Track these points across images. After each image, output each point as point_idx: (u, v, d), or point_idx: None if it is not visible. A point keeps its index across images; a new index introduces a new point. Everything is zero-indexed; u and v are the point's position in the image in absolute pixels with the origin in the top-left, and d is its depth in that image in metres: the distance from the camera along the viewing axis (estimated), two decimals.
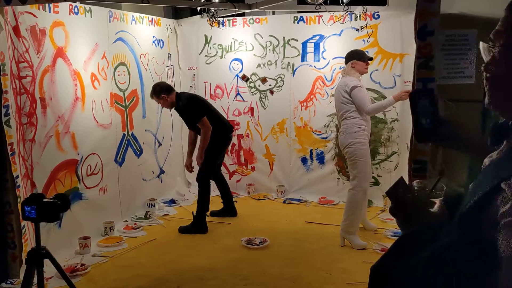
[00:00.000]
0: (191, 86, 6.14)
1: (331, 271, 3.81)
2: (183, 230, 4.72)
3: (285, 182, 5.90)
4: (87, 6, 4.44)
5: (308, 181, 5.80)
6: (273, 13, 5.99)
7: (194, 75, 6.11)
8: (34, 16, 3.83)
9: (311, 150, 5.76)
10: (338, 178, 5.69)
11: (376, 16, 5.30)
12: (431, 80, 2.58)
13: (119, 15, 4.94)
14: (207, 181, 4.86)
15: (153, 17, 5.60)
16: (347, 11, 4.99)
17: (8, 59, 3.53)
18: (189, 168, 5.05)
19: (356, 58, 4.18)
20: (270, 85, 5.79)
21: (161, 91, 4.76)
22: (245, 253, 4.22)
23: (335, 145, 5.63)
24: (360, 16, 5.29)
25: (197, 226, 4.74)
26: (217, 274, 3.82)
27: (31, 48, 3.81)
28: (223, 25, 5.84)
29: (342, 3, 4.77)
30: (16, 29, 3.66)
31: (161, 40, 5.75)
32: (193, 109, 4.79)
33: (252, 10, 5.17)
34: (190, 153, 5.04)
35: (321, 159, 5.74)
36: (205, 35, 6.00)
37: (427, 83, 2.58)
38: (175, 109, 4.93)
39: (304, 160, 5.81)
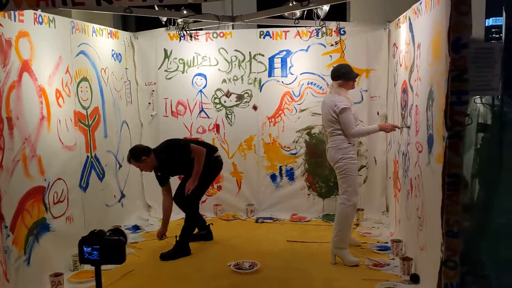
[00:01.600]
0: (149, 103, 5.77)
1: None
2: (166, 256, 4.37)
3: (254, 200, 5.71)
4: (51, 16, 3.99)
5: (278, 198, 5.67)
6: (233, 28, 5.82)
7: (153, 91, 5.75)
8: (0, 25, 3.35)
9: (280, 167, 5.65)
10: (309, 194, 5.62)
11: (342, 32, 5.35)
12: (465, 93, 2.58)
13: (81, 26, 4.51)
14: (197, 205, 4.71)
15: (111, 29, 5.20)
16: (323, 26, 4.98)
17: None
18: (161, 237, 4.64)
19: (343, 78, 4.14)
20: (237, 101, 5.60)
21: (141, 154, 4.38)
22: (237, 279, 3.96)
23: (304, 160, 5.58)
24: (327, 31, 5.31)
25: (181, 249, 4.45)
26: None
27: None
28: (185, 38, 5.56)
29: (318, 18, 4.75)
30: None
31: (119, 53, 5.35)
32: (177, 147, 4.52)
33: (237, 22, 5.00)
34: (165, 222, 4.64)
35: (290, 175, 5.64)
36: (164, 49, 5.68)
37: (462, 96, 2.58)
38: (159, 165, 4.48)
39: (273, 177, 5.68)
